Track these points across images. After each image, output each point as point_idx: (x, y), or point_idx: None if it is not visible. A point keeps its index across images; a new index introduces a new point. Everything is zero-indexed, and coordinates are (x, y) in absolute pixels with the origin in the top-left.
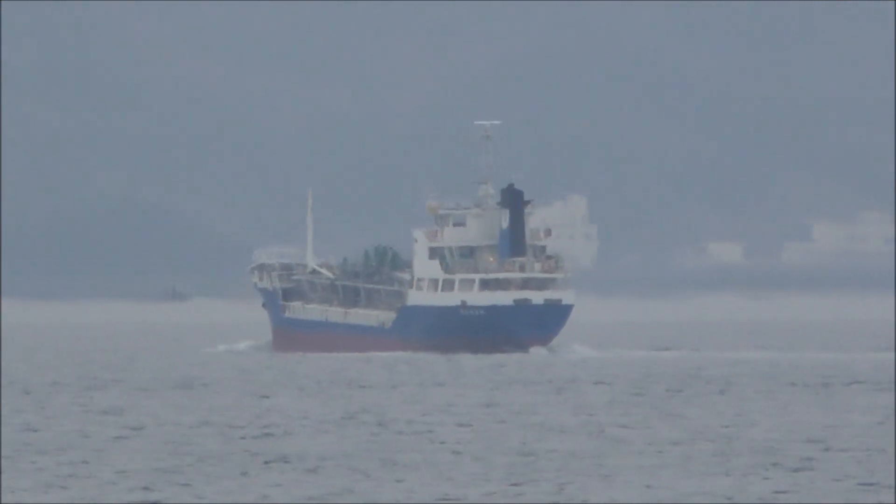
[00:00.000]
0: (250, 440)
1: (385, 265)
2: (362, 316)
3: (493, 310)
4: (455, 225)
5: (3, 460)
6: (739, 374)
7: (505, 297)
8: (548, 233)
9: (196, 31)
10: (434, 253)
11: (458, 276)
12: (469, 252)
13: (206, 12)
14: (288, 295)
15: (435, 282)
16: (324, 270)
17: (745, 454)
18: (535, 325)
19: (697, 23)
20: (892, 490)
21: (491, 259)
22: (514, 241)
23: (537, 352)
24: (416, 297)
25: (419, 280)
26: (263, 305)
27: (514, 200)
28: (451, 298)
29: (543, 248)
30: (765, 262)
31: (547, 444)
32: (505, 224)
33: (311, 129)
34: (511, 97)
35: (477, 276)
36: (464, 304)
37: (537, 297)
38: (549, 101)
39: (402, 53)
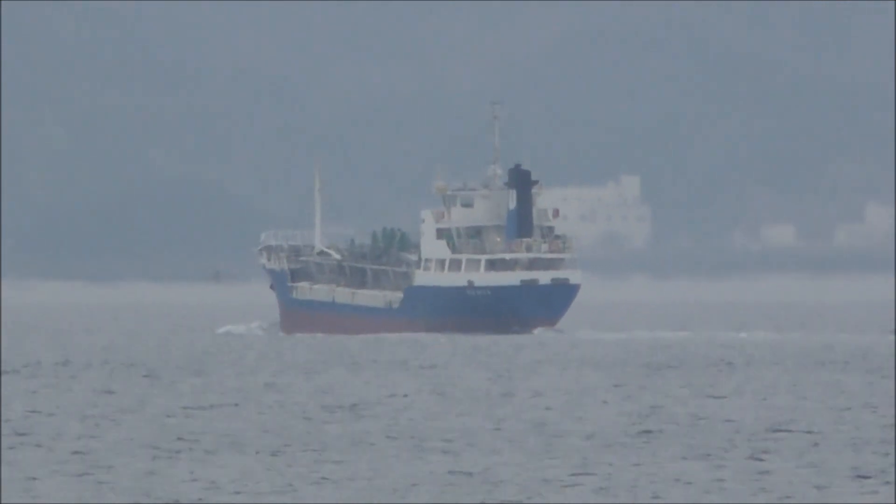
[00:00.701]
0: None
1: (393, 246)
2: (369, 297)
3: (499, 290)
4: (463, 205)
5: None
6: (728, 355)
7: (512, 278)
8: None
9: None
10: (441, 233)
11: (464, 257)
12: (476, 232)
13: None
14: (296, 276)
15: (442, 262)
16: (332, 252)
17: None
18: (541, 305)
19: (753, 5)
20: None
21: (498, 239)
22: (522, 222)
23: (542, 333)
24: (422, 278)
25: (426, 260)
26: (271, 287)
27: (521, 181)
28: (457, 279)
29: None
30: (818, 243)
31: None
32: (512, 205)
33: (351, 109)
34: (567, 76)
35: (483, 257)
36: (470, 284)
37: (544, 277)
38: (605, 82)
39: (444, 30)
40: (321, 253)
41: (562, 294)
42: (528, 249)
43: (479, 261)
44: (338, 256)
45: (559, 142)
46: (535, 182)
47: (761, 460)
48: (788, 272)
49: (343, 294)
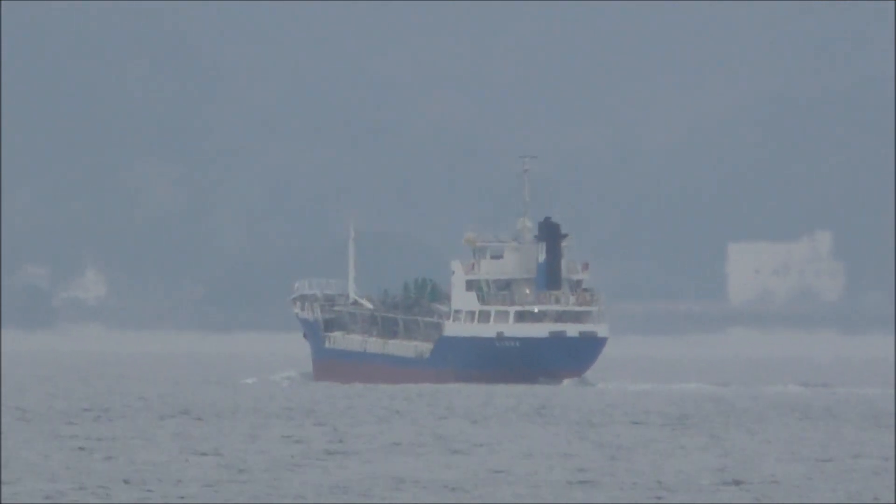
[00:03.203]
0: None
1: (424, 297)
2: (401, 347)
3: (528, 341)
4: (492, 257)
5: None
6: (764, 408)
7: (540, 329)
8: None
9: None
10: (471, 285)
11: (493, 308)
12: (506, 284)
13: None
14: (329, 326)
15: (472, 313)
16: (364, 301)
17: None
18: (569, 357)
19: None
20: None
21: (527, 291)
22: (551, 275)
23: (569, 383)
24: (452, 329)
25: (456, 312)
26: (304, 336)
27: (550, 234)
28: (487, 330)
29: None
30: None
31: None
32: (541, 257)
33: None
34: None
35: (513, 309)
36: (500, 336)
37: (572, 330)
38: (793, 142)
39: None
40: (354, 303)
41: (589, 346)
42: (557, 302)
43: (508, 312)
44: (370, 306)
45: (747, 198)
46: (565, 235)
47: None
48: None
49: (375, 344)
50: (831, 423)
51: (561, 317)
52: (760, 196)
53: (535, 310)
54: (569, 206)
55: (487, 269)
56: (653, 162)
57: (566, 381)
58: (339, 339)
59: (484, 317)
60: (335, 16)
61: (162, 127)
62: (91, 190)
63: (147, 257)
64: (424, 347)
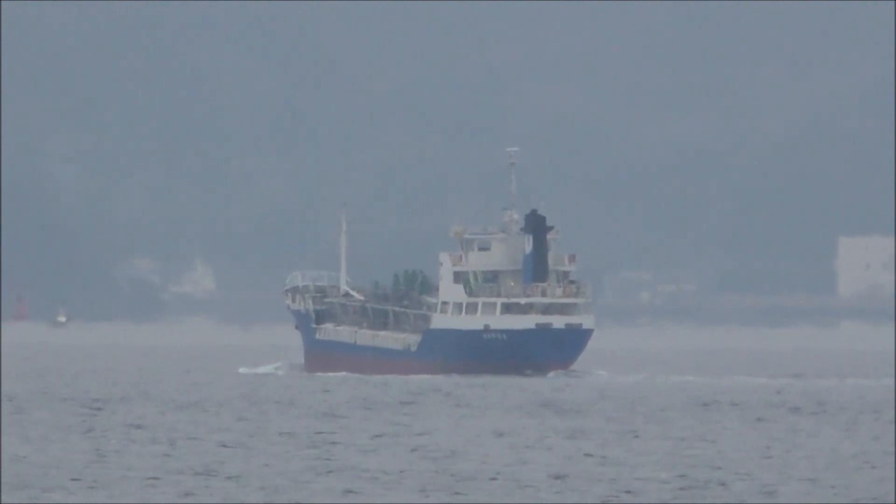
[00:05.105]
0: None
1: (414, 289)
2: (389, 339)
3: (514, 333)
4: (480, 249)
5: None
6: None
7: (526, 321)
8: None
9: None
10: (458, 277)
11: (481, 300)
12: (493, 276)
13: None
14: (320, 317)
15: (459, 305)
16: (355, 293)
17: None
18: (555, 348)
19: None
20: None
21: (513, 284)
22: (537, 267)
23: (555, 375)
24: (440, 321)
25: (444, 303)
26: (296, 327)
27: (536, 226)
28: (473, 322)
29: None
30: None
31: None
32: (528, 249)
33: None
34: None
35: (499, 301)
36: (486, 328)
37: (558, 322)
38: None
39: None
40: (346, 294)
41: (575, 338)
42: (543, 294)
43: (494, 304)
44: (361, 298)
45: (859, 191)
46: (551, 228)
47: None
48: None
49: (364, 336)
50: None
51: (547, 309)
52: (872, 189)
53: (522, 302)
54: (680, 195)
55: (475, 261)
56: (763, 152)
57: (552, 374)
58: (330, 331)
59: (471, 309)
60: (448, 12)
61: (269, 120)
62: (200, 183)
63: (255, 250)
64: (413, 339)
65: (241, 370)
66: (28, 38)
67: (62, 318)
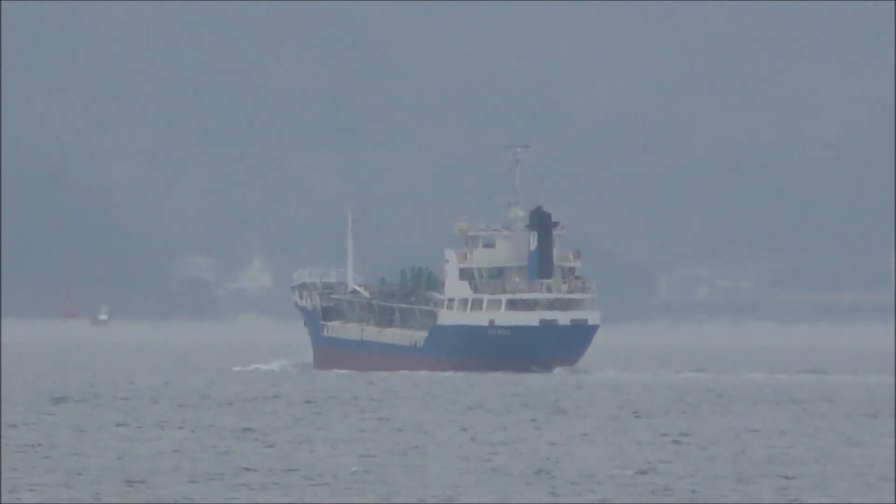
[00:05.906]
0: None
1: (420, 285)
2: (396, 335)
3: (519, 330)
4: (485, 246)
5: None
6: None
7: (531, 318)
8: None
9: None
10: (464, 273)
11: (486, 297)
12: (498, 273)
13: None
14: (327, 314)
15: (464, 302)
16: (362, 290)
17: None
18: (560, 345)
19: None
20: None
21: (518, 280)
22: (542, 263)
23: (561, 373)
24: (446, 317)
25: (449, 300)
26: (305, 324)
27: (542, 223)
28: (479, 318)
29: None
30: None
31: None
32: (533, 246)
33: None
34: None
35: (504, 297)
36: (491, 324)
37: (563, 318)
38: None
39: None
40: (353, 291)
41: (580, 334)
42: (549, 290)
43: (500, 301)
44: (368, 295)
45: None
46: (556, 224)
47: None
48: None
49: (371, 332)
50: None
51: (552, 305)
52: None
53: (527, 298)
54: (735, 192)
55: (480, 258)
56: (818, 149)
57: (557, 370)
58: (338, 328)
59: (476, 305)
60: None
61: (325, 117)
62: (256, 181)
63: (311, 247)
64: (419, 336)
65: (235, 368)
66: (87, 38)
67: (103, 316)
